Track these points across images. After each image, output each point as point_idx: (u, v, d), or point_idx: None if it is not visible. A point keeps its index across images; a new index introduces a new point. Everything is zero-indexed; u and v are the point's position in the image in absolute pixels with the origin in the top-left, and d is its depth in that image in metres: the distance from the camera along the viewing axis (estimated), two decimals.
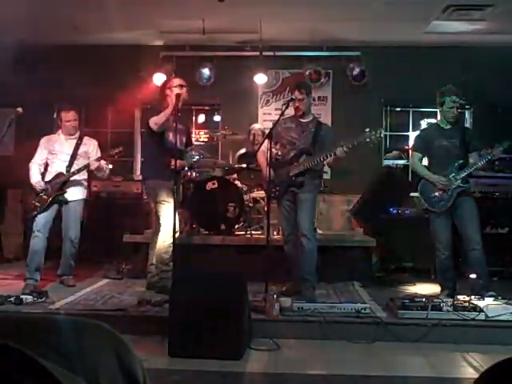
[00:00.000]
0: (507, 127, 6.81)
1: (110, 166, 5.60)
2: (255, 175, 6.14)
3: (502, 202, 6.34)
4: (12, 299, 4.49)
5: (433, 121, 7.22)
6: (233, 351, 3.68)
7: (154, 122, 4.95)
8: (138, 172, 7.92)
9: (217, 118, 7.48)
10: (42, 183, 5.22)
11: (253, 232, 6.20)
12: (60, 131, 5.46)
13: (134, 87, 7.29)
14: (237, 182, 6.35)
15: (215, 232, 5.98)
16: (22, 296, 4.55)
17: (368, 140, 4.63)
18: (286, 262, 5.11)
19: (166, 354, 3.69)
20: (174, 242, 4.68)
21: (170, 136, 4.98)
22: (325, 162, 4.92)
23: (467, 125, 7.53)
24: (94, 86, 7.09)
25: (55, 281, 5.48)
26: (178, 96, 4.80)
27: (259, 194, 6.36)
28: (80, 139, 5.44)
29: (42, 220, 5.16)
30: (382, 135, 4.70)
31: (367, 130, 4.65)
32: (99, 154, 5.46)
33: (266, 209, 5.30)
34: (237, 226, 6.26)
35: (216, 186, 5.99)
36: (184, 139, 5.26)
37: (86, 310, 4.38)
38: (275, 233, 6.06)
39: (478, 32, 6.80)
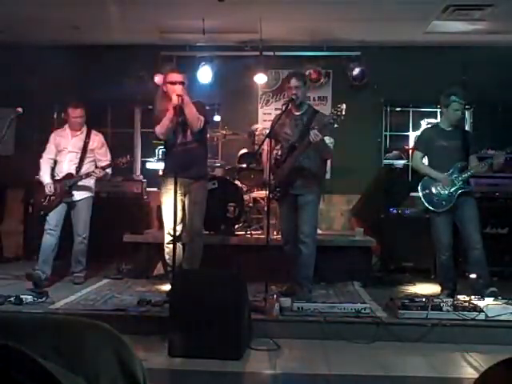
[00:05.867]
0: (507, 127, 6.81)
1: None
2: (255, 175, 6.14)
3: (502, 202, 6.34)
4: (12, 299, 4.50)
5: (433, 121, 7.22)
6: (233, 351, 3.68)
7: (159, 132, 4.82)
8: (138, 172, 7.92)
9: (217, 118, 7.48)
10: (52, 186, 5.36)
11: (253, 232, 6.20)
12: (66, 126, 5.59)
13: (134, 87, 7.29)
14: (237, 182, 6.34)
15: (215, 232, 5.98)
16: (22, 296, 4.56)
17: (331, 121, 4.45)
18: (286, 262, 5.11)
19: (166, 354, 3.70)
20: (174, 242, 4.66)
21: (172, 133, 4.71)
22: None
23: (467, 125, 7.54)
24: (94, 86, 7.09)
25: (58, 280, 5.55)
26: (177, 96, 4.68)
27: (259, 194, 6.35)
28: (88, 136, 5.55)
29: (54, 220, 5.32)
30: (343, 111, 4.40)
31: (332, 109, 4.50)
32: (106, 151, 5.61)
33: (265, 209, 5.29)
34: (237, 226, 6.26)
35: (216, 186, 5.99)
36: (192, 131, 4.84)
37: (86, 310, 4.39)
38: (275, 233, 6.06)
39: (478, 32, 6.80)
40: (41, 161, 5.49)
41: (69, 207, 5.45)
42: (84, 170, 5.45)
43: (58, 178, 5.43)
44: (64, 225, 5.43)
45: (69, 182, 5.37)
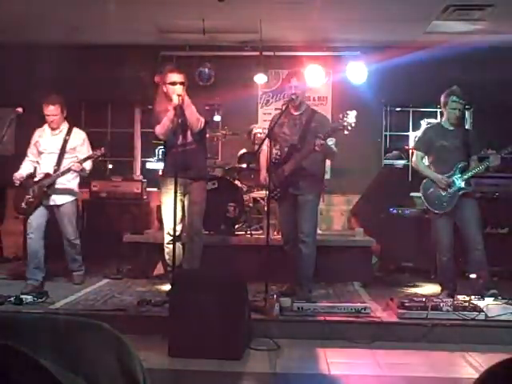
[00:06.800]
0: (507, 127, 6.81)
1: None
2: (255, 175, 6.14)
3: (502, 202, 6.34)
4: (12, 299, 4.49)
5: (433, 121, 7.21)
6: (233, 351, 3.68)
7: (159, 132, 4.81)
8: (138, 172, 7.92)
9: (217, 117, 7.47)
10: (20, 176, 5.18)
11: (253, 232, 6.20)
12: (46, 125, 5.34)
13: (134, 87, 7.28)
14: (237, 182, 6.34)
15: (215, 232, 5.98)
16: (22, 296, 4.56)
17: (341, 127, 4.40)
18: (286, 262, 5.10)
19: (166, 354, 3.70)
20: (174, 242, 4.65)
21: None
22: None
23: (467, 125, 7.53)
24: (94, 86, 7.08)
25: (58, 280, 5.56)
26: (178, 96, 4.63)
27: (259, 194, 6.35)
28: (68, 134, 5.30)
29: (34, 223, 5.17)
30: (352, 118, 4.32)
31: (340, 115, 4.44)
32: (87, 149, 5.34)
33: (266, 209, 5.29)
34: (237, 226, 6.26)
35: (216, 186, 5.99)
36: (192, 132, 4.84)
37: (86, 310, 4.39)
38: (275, 233, 6.06)
39: (477, 32, 6.79)
40: (23, 163, 5.33)
41: (53, 212, 5.25)
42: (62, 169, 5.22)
43: (37, 179, 5.21)
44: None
45: (46, 182, 5.15)
